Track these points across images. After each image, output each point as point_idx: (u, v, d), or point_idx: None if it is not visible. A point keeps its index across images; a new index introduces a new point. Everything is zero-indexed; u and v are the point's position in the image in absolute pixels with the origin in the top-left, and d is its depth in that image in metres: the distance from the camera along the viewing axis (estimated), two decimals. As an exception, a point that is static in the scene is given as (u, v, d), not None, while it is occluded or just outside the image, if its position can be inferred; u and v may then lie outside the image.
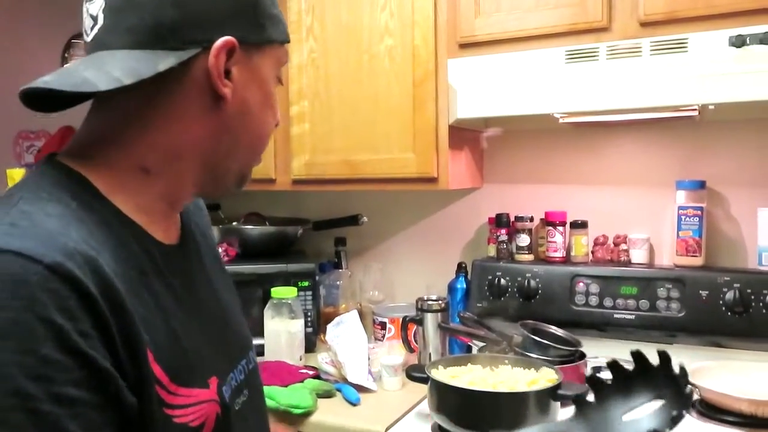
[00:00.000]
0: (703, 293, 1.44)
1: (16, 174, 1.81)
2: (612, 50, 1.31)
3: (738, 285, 1.41)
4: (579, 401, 0.71)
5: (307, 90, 1.64)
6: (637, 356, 0.71)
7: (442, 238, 1.86)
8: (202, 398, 0.62)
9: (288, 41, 0.70)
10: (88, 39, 0.62)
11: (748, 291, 1.40)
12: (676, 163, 1.59)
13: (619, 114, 1.40)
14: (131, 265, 0.59)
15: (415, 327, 1.57)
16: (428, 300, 1.56)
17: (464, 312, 1.57)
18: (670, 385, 0.67)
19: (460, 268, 1.73)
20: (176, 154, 0.63)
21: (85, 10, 0.62)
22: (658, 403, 0.67)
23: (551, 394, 1.09)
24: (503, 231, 1.69)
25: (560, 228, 1.63)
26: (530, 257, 1.66)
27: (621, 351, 1.46)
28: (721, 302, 1.42)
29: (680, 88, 1.24)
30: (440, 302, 1.55)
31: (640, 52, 1.29)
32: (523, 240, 1.66)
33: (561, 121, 1.47)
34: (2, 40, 2.72)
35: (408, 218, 1.91)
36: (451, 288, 1.73)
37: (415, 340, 1.58)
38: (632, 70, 1.29)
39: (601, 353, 1.45)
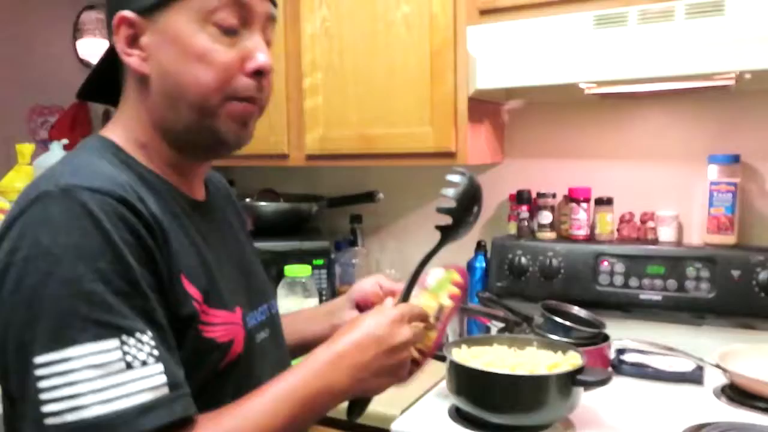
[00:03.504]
0: (735, 273, 1.37)
1: (25, 149, 1.79)
2: (643, 14, 1.23)
3: (773, 265, 1.34)
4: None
5: (321, 61, 1.58)
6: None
7: (460, 215, 1.80)
8: (228, 320, 0.70)
9: None
10: None
11: (784, 271, 1.33)
12: (708, 137, 1.50)
13: (649, 83, 1.32)
14: (166, 210, 0.68)
15: (432, 306, 1.53)
16: (446, 279, 1.51)
17: (483, 292, 1.52)
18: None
19: (480, 246, 1.68)
20: (151, 125, 0.70)
21: None
22: None
23: (572, 379, 1.04)
24: (524, 208, 1.62)
25: (584, 205, 1.56)
26: (552, 235, 1.60)
27: (647, 333, 1.43)
28: (754, 282, 1.35)
29: (716, 54, 1.16)
30: (458, 281, 1.50)
31: (673, 15, 1.21)
32: (545, 217, 1.60)
33: (587, 92, 1.40)
34: (14, 16, 2.69)
35: (426, 194, 1.85)
36: (470, 267, 1.68)
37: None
38: (665, 36, 1.21)
39: (625, 335, 1.39)
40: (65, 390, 0.53)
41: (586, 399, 1.12)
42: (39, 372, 0.54)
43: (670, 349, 1.32)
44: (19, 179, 1.75)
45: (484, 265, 1.66)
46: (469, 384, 1.11)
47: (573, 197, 1.57)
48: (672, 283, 1.43)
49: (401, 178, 1.86)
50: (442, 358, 1.17)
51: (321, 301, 1.64)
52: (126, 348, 0.56)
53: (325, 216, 1.92)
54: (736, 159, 1.44)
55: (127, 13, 0.67)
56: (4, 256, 0.58)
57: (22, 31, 2.69)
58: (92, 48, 2.53)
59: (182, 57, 0.67)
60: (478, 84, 1.37)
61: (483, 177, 1.77)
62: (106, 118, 2.49)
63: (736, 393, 1.22)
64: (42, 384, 0.54)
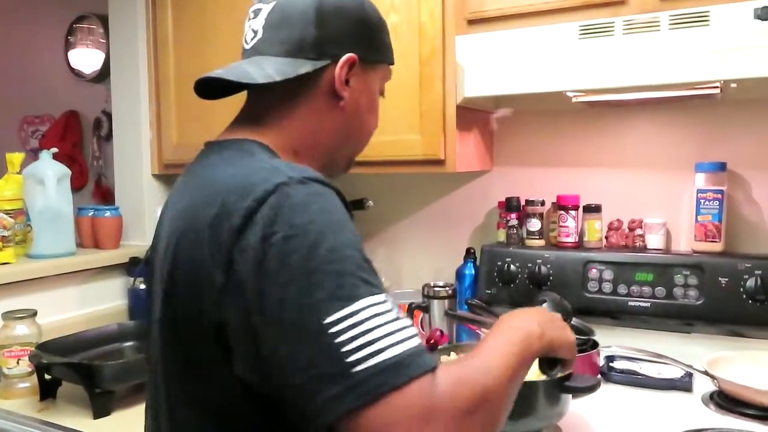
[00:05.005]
0: (723, 280, 1.38)
1: (15, 158, 1.78)
2: (628, 24, 1.24)
3: (759, 272, 1.35)
4: None
5: (311, 70, 1.59)
6: None
7: (450, 222, 1.81)
8: None
9: (393, 63, 0.90)
10: (248, 47, 0.83)
11: (771, 278, 1.34)
12: (695, 145, 1.52)
13: (635, 92, 1.33)
14: None
15: (421, 314, 1.53)
16: (435, 286, 1.51)
17: (472, 299, 1.53)
18: None
19: (469, 253, 1.69)
20: (316, 141, 0.82)
21: (248, 26, 0.83)
22: None
23: (559, 385, 1.04)
24: (513, 215, 1.63)
25: (573, 212, 1.57)
26: (541, 242, 1.61)
27: (636, 340, 1.43)
28: (741, 290, 1.36)
29: (701, 64, 1.17)
30: (447, 289, 1.50)
31: (659, 26, 1.22)
32: (534, 225, 1.60)
33: (574, 100, 1.41)
34: (6, 26, 2.70)
35: (415, 202, 1.86)
36: (459, 274, 1.68)
37: (422, 328, 1.54)
38: (650, 46, 1.22)
39: (614, 342, 1.40)
40: (362, 339, 0.58)
41: (574, 406, 1.12)
42: (333, 329, 0.58)
43: (659, 356, 1.32)
44: (8, 188, 1.74)
45: (473, 272, 1.66)
46: (458, 391, 1.10)
47: (562, 205, 1.58)
48: (660, 290, 1.44)
49: (391, 186, 1.87)
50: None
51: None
52: (388, 302, 0.62)
53: (316, 224, 1.92)
54: (722, 167, 1.45)
55: (356, 58, 0.81)
56: (258, 243, 0.62)
57: (14, 41, 2.69)
58: (84, 58, 2.53)
59: (370, 107, 0.86)
60: (466, 92, 1.38)
61: (472, 184, 1.78)
62: (97, 126, 2.49)
63: (725, 400, 1.22)
64: (340, 339, 0.57)
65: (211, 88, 0.83)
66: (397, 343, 0.58)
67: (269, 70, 0.77)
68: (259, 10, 0.82)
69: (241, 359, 0.64)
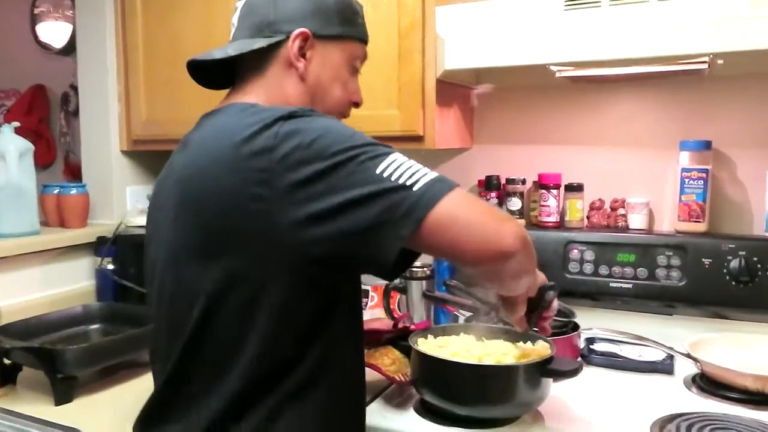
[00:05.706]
0: (706, 261, 1.35)
1: (-26, 133, 1.69)
2: (615, -5, 1.19)
3: (743, 253, 1.32)
4: None
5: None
6: None
7: (430, 202, 1.76)
8: None
9: (363, 41, 0.98)
10: (230, 38, 0.96)
11: (754, 259, 1.31)
12: (680, 123, 1.48)
13: (622, 66, 1.29)
14: None
15: (398, 295, 1.49)
16: (412, 267, 1.47)
17: (451, 279, 1.48)
18: None
19: (449, 234, 1.64)
20: (285, 100, 0.91)
21: (232, 21, 0.97)
22: None
23: (540, 369, 1.01)
24: (493, 194, 1.59)
25: (554, 191, 1.53)
26: (522, 222, 1.57)
27: (617, 322, 1.40)
28: (725, 271, 1.33)
29: (690, 36, 1.13)
30: (425, 269, 1.46)
31: (646, -3, 1.17)
32: (515, 204, 1.57)
33: (558, 74, 1.36)
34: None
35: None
36: (439, 255, 1.64)
37: (399, 310, 1.50)
38: (637, 17, 1.17)
39: (595, 324, 1.37)
40: (408, 171, 0.76)
41: (554, 390, 1.09)
42: (386, 173, 0.75)
43: (640, 338, 1.30)
44: (-31, 162, 1.65)
45: (453, 253, 1.62)
46: (435, 375, 1.07)
47: (543, 183, 1.54)
48: (642, 271, 1.41)
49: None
50: (408, 349, 1.13)
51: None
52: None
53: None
54: (707, 145, 1.42)
55: (308, 32, 0.91)
56: (294, 150, 0.76)
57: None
58: (53, 31, 2.42)
59: (333, 78, 0.95)
60: (446, 64, 1.32)
61: (452, 162, 1.73)
62: (65, 101, 2.39)
63: (707, 383, 1.20)
64: (394, 177, 0.75)
65: (209, 76, 0.98)
66: (431, 170, 0.78)
67: (228, 49, 0.92)
68: (237, 7, 0.96)
69: (316, 243, 0.76)
